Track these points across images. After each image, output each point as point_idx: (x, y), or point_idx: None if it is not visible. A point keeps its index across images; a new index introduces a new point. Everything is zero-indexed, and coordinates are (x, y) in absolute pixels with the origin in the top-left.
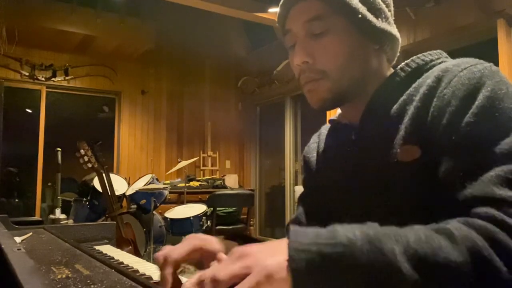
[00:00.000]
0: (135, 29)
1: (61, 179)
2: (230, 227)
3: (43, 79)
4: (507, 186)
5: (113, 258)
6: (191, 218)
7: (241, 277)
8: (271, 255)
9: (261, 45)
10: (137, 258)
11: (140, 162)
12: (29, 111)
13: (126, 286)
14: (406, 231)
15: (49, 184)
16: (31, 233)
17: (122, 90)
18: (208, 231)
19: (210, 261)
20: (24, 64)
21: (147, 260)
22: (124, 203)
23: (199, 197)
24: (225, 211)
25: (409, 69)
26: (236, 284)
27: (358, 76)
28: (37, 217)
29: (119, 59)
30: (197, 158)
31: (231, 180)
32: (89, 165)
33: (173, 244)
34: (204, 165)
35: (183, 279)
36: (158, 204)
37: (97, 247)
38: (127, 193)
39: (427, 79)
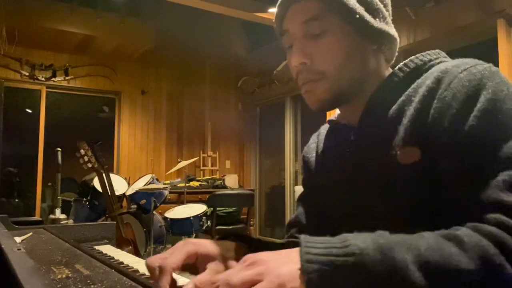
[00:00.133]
0: (135, 29)
1: (61, 179)
2: (230, 227)
3: (43, 79)
4: None
5: (113, 258)
6: (191, 218)
7: (253, 283)
8: (284, 263)
9: (261, 45)
10: (137, 258)
11: (140, 162)
12: (29, 111)
13: (126, 286)
14: (417, 239)
15: (49, 184)
16: (31, 233)
17: (122, 90)
18: (208, 231)
19: (205, 264)
20: (24, 64)
21: None
22: (124, 203)
23: (199, 197)
24: (225, 211)
25: (408, 70)
26: None
27: (356, 77)
28: (37, 217)
29: (119, 59)
30: (197, 158)
31: (231, 180)
32: (89, 165)
33: (173, 244)
34: (204, 165)
35: (179, 278)
36: (158, 204)
37: (97, 247)
38: (127, 193)
39: (426, 80)
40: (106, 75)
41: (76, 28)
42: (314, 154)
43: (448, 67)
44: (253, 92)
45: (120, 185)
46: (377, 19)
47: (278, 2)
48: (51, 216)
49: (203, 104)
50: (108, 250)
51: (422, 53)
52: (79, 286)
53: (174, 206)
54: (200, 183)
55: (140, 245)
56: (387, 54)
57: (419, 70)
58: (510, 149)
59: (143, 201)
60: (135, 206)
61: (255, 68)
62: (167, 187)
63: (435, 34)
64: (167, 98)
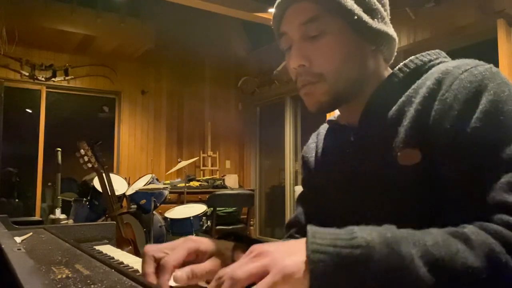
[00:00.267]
0: (135, 29)
1: (61, 179)
2: (230, 227)
3: (43, 79)
4: None
5: (113, 258)
6: (191, 218)
7: (259, 276)
8: (289, 254)
9: (261, 45)
10: (137, 258)
11: (140, 162)
12: (29, 111)
13: (126, 286)
14: (424, 234)
15: (49, 184)
16: (31, 233)
17: (122, 90)
18: (208, 231)
19: (204, 261)
20: (24, 64)
21: None
22: (124, 203)
23: (199, 197)
24: (225, 211)
25: (408, 70)
26: (253, 282)
27: (355, 78)
28: (37, 217)
29: (119, 59)
30: (197, 158)
31: (231, 180)
32: (89, 165)
33: None
34: (204, 165)
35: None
36: (158, 204)
37: (97, 247)
38: (127, 193)
39: (427, 80)
40: (106, 75)
41: (76, 28)
42: (314, 154)
43: (448, 68)
44: (253, 92)
45: (120, 185)
46: (375, 19)
47: (276, 4)
48: (51, 216)
49: (203, 104)
50: (108, 250)
51: (422, 53)
52: (79, 286)
53: (174, 206)
54: (200, 183)
55: (140, 245)
56: (386, 54)
57: (419, 71)
58: None
59: (143, 201)
60: (135, 206)
61: (255, 68)
62: (167, 187)
63: (435, 34)
64: (167, 98)
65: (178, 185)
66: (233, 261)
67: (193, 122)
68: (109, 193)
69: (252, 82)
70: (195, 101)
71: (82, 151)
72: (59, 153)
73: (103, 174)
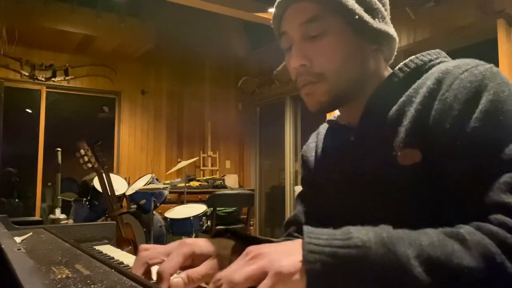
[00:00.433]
0: (135, 29)
1: (61, 179)
2: (230, 227)
3: (43, 79)
4: None
5: (113, 258)
6: (191, 218)
7: (257, 278)
8: (286, 255)
9: (261, 45)
10: None
11: (140, 162)
12: (29, 111)
13: (126, 286)
14: (420, 234)
15: (49, 184)
16: (31, 233)
17: (122, 90)
18: (208, 231)
19: (200, 263)
20: (24, 64)
21: None
22: (124, 203)
23: (199, 197)
24: (225, 211)
25: (408, 70)
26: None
27: (356, 78)
28: (37, 217)
29: (119, 59)
30: (197, 158)
31: (231, 180)
32: (89, 165)
33: None
34: (204, 165)
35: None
36: (158, 204)
37: (97, 247)
38: (127, 193)
39: (427, 80)
40: (106, 75)
41: (76, 28)
42: (314, 153)
43: (449, 68)
44: (253, 92)
45: (120, 185)
46: (376, 19)
47: (276, 3)
48: (51, 216)
49: (203, 104)
50: (108, 250)
51: (422, 53)
52: (79, 286)
53: (174, 206)
54: (200, 183)
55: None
56: (387, 54)
57: (419, 70)
58: (511, 151)
59: (143, 201)
60: (135, 206)
61: (255, 68)
62: (167, 187)
63: (435, 34)
64: (167, 98)
65: (178, 185)
66: (231, 261)
67: (193, 122)
68: (109, 193)
69: (252, 82)
70: (195, 101)
71: (82, 151)
72: (59, 153)
73: (103, 174)
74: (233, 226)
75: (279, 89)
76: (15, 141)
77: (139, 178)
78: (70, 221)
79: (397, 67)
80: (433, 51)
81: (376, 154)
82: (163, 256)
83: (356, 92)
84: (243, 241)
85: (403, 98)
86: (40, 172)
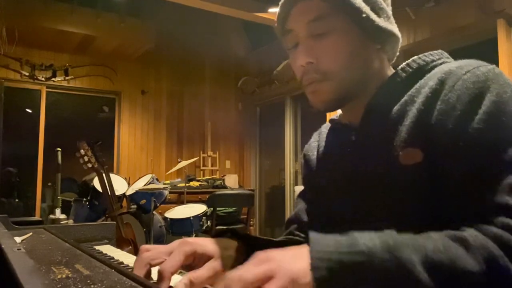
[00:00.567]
0: (135, 29)
1: (61, 179)
2: (230, 227)
3: (43, 79)
4: None
5: (113, 258)
6: (191, 218)
7: (265, 280)
8: (294, 260)
9: (261, 45)
10: None
11: (140, 162)
12: (29, 111)
13: (126, 286)
14: (424, 239)
15: (49, 184)
16: (31, 233)
17: (122, 90)
18: (208, 231)
19: (202, 263)
20: (24, 64)
21: None
22: (124, 203)
23: (199, 197)
24: (225, 211)
25: (410, 70)
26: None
27: (361, 77)
28: (37, 217)
29: (119, 59)
30: (197, 158)
31: (231, 180)
32: (89, 165)
33: None
34: (204, 165)
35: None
36: (158, 204)
37: (97, 247)
38: (127, 193)
39: (429, 80)
40: (106, 75)
41: (76, 28)
42: (315, 153)
43: (451, 68)
44: (253, 92)
45: (120, 185)
46: (381, 18)
47: (281, 1)
48: (51, 216)
49: (203, 104)
50: (108, 250)
51: (424, 54)
52: (79, 286)
53: (174, 206)
54: (200, 183)
55: (140, 245)
56: (390, 54)
57: (422, 71)
58: None
59: (143, 201)
60: (135, 206)
61: (255, 68)
62: (167, 187)
63: (435, 34)
64: (167, 98)
65: (178, 185)
66: (235, 260)
67: (193, 122)
68: (109, 193)
69: (252, 82)
70: (195, 101)
71: (82, 151)
72: (59, 153)
73: (103, 174)
74: (233, 226)
75: (279, 89)
76: (15, 141)
77: (139, 178)
78: (70, 221)
79: (400, 67)
80: (435, 51)
81: (378, 153)
82: (165, 256)
83: (360, 91)
84: (244, 240)
85: (405, 98)
86: (40, 172)
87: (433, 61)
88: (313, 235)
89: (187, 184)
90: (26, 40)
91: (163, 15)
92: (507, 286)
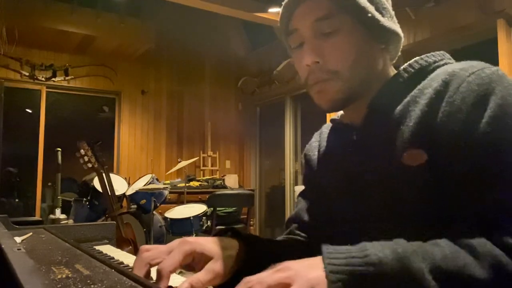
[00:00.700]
0: (135, 29)
1: (61, 179)
2: (230, 227)
3: (43, 79)
4: None
5: (113, 258)
6: (191, 218)
7: (284, 286)
8: (310, 269)
9: (261, 45)
10: None
11: (140, 162)
12: (29, 111)
13: (126, 286)
14: (432, 247)
15: (49, 184)
16: (31, 233)
17: (122, 90)
18: (208, 231)
19: (201, 263)
20: (24, 64)
21: None
22: (124, 203)
23: (199, 197)
24: (225, 211)
25: (412, 70)
26: None
27: (366, 76)
28: (37, 217)
29: (119, 59)
30: (197, 158)
31: (231, 180)
32: (89, 165)
33: None
34: (204, 165)
35: (181, 278)
36: (158, 204)
37: (97, 247)
38: (127, 193)
39: (432, 81)
40: (106, 75)
41: (76, 28)
42: (316, 153)
43: (455, 70)
44: (253, 92)
45: (120, 185)
46: (385, 17)
47: (285, 1)
48: (51, 216)
49: (203, 104)
50: (108, 250)
51: (426, 54)
52: (79, 286)
53: (174, 206)
54: (200, 183)
55: (140, 245)
56: (392, 53)
57: (424, 71)
58: None
59: (143, 201)
60: (135, 206)
61: (255, 68)
62: (167, 187)
63: (435, 34)
64: (167, 98)
65: (178, 185)
66: (235, 260)
67: (193, 122)
68: (109, 193)
69: (252, 82)
70: (195, 101)
71: (82, 151)
72: (59, 153)
73: (103, 174)
74: (233, 226)
75: (279, 89)
76: (15, 141)
77: (139, 178)
78: (70, 221)
79: (402, 67)
80: (437, 52)
81: (379, 153)
82: (164, 255)
83: (364, 91)
84: (245, 240)
85: (408, 98)
86: (40, 172)
87: (435, 62)
88: (325, 247)
89: (187, 184)
90: (26, 40)
91: (163, 15)
92: None
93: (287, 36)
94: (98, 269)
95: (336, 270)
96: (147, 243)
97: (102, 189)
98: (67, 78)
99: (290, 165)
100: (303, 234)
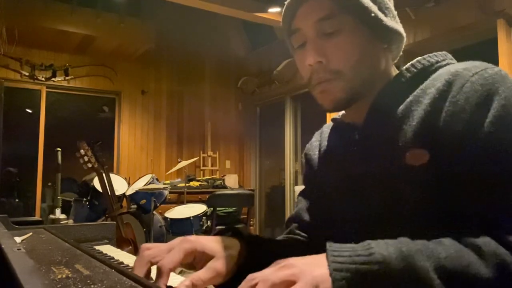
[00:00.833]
0: (135, 29)
1: (61, 179)
2: (231, 226)
3: (43, 79)
4: None
5: (113, 258)
6: (191, 218)
7: (288, 283)
8: (315, 266)
9: (261, 45)
10: None
11: (140, 162)
12: (29, 111)
13: (126, 286)
14: (437, 246)
15: (49, 184)
16: (31, 233)
17: (122, 90)
18: (208, 231)
19: (202, 262)
20: (24, 64)
21: None
22: (124, 203)
23: (199, 197)
24: (225, 211)
25: (415, 70)
26: None
27: (369, 76)
28: (37, 217)
29: (119, 59)
30: (197, 158)
31: (231, 180)
32: (89, 165)
33: None
34: (204, 165)
35: (180, 278)
36: (158, 204)
37: (97, 247)
38: (127, 193)
39: (435, 81)
40: (106, 75)
41: (76, 28)
42: (317, 152)
43: (458, 70)
44: (253, 92)
45: (120, 185)
46: (388, 17)
47: (288, 0)
48: (51, 216)
49: (203, 104)
50: (108, 250)
51: (429, 54)
52: (79, 286)
53: (174, 206)
54: (200, 183)
55: (140, 245)
56: (395, 53)
57: (426, 71)
58: None
59: (143, 201)
60: (135, 206)
61: (255, 68)
62: (167, 187)
63: (435, 34)
64: (167, 98)
65: (178, 185)
66: (236, 260)
67: (193, 122)
68: (109, 193)
69: (252, 82)
70: (195, 101)
71: (82, 151)
72: (59, 153)
73: (103, 174)
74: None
75: (279, 89)
76: (15, 141)
77: (139, 178)
78: (70, 221)
79: (404, 67)
80: (439, 52)
81: (381, 153)
82: (166, 253)
83: (367, 91)
84: (246, 239)
85: (410, 98)
86: (40, 172)
87: (437, 62)
88: (329, 244)
89: (187, 184)
90: (26, 40)
91: (163, 15)
92: None
93: (289, 35)
94: (98, 269)
95: (340, 268)
96: (147, 243)
97: (102, 189)
98: (67, 78)
99: (290, 165)
100: (303, 234)
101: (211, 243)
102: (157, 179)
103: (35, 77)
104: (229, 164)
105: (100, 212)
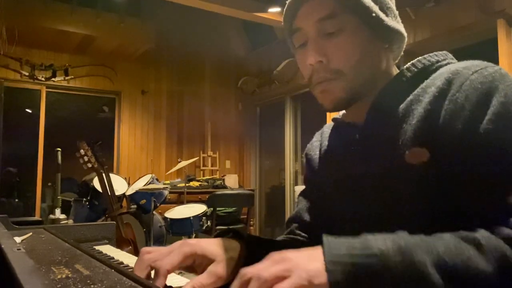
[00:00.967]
0: (135, 29)
1: (61, 179)
2: (230, 227)
3: (43, 79)
4: None
5: (113, 258)
6: (191, 218)
7: (282, 279)
8: (309, 261)
9: (261, 45)
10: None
11: (140, 162)
12: (29, 111)
13: (126, 286)
14: (436, 240)
15: (49, 184)
16: (31, 233)
17: (122, 90)
18: (208, 231)
19: (202, 265)
20: (24, 64)
21: None
22: (124, 203)
23: (199, 197)
24: (225, 211)
25: (416, 70)
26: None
27: (370, 76)
28: (37, 217)
29: (119, 59)
30: (197, 158)
31: (231, 180)
32: (89, 165)
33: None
34: (204, 165)
35: (182, 279)
36: (158, 204)
37: (97, 247)
38: (127, 193)
39: (435, 80)
40: (106, 75)
41: (76, 28)
42: (317, 152)
43: (458, 69)
44: (253, 92)
45: (120, 185)
46: (389, 17)
47: (289, 0)
48: (51, 216)
49: (203, 104)
50: (108, 250)
51: (429, 54)
52: (79, 286)
53: (174, 206)
54: (200, 183)
55: (140, 245)
56: (396, 53)
57: (427, 71)
58: None
59: (143, 201)
60: (135, 206)
61: (255, 68)
62: (167, 187)
63: (435, 34)
64: (167, 98)
65: (178, 185)
66: (236, 262)
67: (193, 122)
68: (109, 193)
69: (252, 82)
70: (195, 101)
71: (82, 151)
72: (59, 153)
73: (103, 174)
74: (233, 226)
75: (279, 89)
76: (15, 141)
77: (139, 178)
78: (70, 221)
79: (405, 66)
80: (440, 52)
81: (382, 152)
82: (164, 256)
83: (368, 90)
84: (246, 241)
85: (411, 97)
86: (40, 172)
87: (438, 61)
88: (326, 237)
89: (187, 184)
90: (26, 40)
91: (163, 15)
92: None
93: (290, 35)
94: (98, 269)
95: (335, 261)
96: (147, 243)
97: (102, 189)
98: (67, 78)
99: (290, 165)
100: (303, 234)
101: (211, 246)
102: (157, 179)
103: (35, 77)
104: (229, 164)
105: (100, 212)
